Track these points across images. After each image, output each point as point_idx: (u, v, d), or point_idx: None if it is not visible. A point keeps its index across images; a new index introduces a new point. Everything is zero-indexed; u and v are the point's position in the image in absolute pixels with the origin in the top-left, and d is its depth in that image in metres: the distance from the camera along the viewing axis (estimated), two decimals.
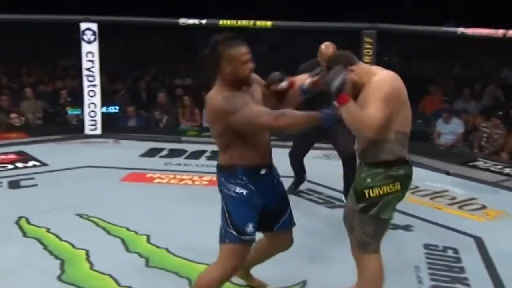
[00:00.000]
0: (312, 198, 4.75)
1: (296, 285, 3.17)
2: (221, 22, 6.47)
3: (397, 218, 4.22)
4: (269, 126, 2.34)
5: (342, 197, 4.57)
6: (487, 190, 5.05)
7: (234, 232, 2.47)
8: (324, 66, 3.55)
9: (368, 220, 2.60)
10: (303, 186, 4.94)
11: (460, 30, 5.35)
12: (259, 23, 6.42)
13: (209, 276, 2.55)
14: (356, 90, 2.55)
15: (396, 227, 4.10)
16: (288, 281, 3.18)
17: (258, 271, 3.04)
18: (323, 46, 4.36)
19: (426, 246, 3.76)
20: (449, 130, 7.29)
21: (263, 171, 2.51)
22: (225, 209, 2.51)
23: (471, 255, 3.63)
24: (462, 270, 3.41)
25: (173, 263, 3.36)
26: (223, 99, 2.36)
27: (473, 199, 4.72)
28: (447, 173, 5.58)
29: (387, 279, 2.76)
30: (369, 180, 2.55)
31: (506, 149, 6.74)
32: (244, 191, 2.46)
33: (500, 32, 4.96)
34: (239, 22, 6.41)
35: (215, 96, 2.40)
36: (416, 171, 5.28)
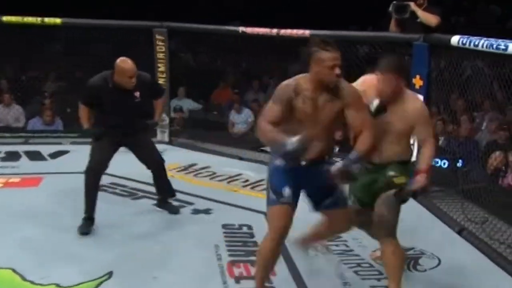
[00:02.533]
0: (116, 191, 4.73)
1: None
2: (5, 18, 6.02)
3: (198, 203, 4.46)
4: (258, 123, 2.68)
5: (145, 187, 4.66)
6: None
7: (273, 196, 2.73)
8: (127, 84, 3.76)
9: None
10: (107, 180, 4.90)
11: (241, 29, 5.80)
12: (47, 20, 6.11)
13: (263, 243, 2.83)
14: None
15: (197, 211, 4.32)
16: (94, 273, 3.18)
17: None
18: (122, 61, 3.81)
19: (224, 226, 4.03)
20: (241, 119, 7.75)
21: (302, 163, 2.65)
22: (268, 180, 2.78)
23: (262, 230, 3.95)
24: (255, 243, 3.69)
25: None
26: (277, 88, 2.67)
27: (262, 180, 5.12)
28: (240, 158, 5.95)
29: (187, 261, 2.92)
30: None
31: None
32: (283, 164, 2.70)
33: (274, 31, 5.51)
34: (25, 18, 6.05)
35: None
36: (214, 159, 5.58)
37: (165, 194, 4.30)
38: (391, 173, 2.79)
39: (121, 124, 3.88)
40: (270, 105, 2.65)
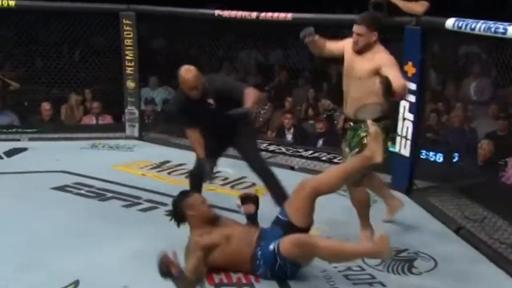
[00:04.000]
0: (81, 193, 4.65)
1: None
2: None
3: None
4: None
5: (113, 187, 4.64)
6: None
7: None
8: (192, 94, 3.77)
9: None
10: (69, 180, 4.83)
11: (217, 12, 5.71)
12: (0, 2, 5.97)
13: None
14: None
15: None
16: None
17: None
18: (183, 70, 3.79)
19: None
20: None
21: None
22: None
23: None
24: None
25: None
26: None
27: (243, 177, 5.09)
28: None
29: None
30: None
31: (271, 126, 7.38)
32: None
33: (254, 14, 5.43)
34: None
35: None
36: (190, 155, 5.48)
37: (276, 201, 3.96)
38: (362, 134, 3.54)
39: (214, 133, 3.94)
40: None
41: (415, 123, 4.54)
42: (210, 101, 3.83)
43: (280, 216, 3.30)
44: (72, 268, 3.28)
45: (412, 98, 4.51)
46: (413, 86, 4.46)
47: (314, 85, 8.19)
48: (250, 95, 3.77)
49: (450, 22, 4.00)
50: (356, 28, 3.56)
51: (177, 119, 4.04)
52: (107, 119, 7.16)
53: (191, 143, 4.02)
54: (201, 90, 3.77)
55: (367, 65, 3.51)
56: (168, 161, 5.55)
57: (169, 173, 5.26)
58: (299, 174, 5.39)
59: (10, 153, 5.79)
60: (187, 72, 3.75)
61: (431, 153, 4.85)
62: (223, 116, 3.66)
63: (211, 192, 4.76)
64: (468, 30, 3.81)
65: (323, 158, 5.85)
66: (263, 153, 5.93)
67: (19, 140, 6.25)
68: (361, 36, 3.53)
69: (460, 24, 3.89)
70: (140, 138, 6.46)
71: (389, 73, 3.35)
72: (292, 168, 5.61)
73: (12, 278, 3.14)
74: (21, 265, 3.31)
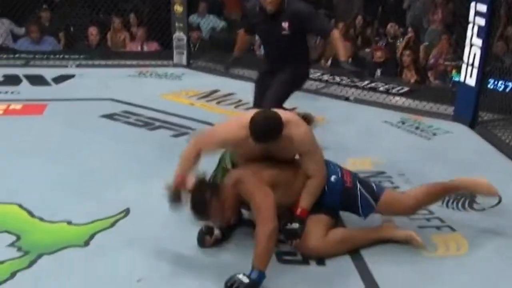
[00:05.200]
0: (130, 121, 4.75)
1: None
2: None
3: None
4: None
5: (163, 117, 4.73)
6: (308, 97, 5.43)
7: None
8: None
9: None
10: (118, 108, 4.93)
11: None
12: None
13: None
14: None
15: None
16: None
17: None
18: None
19: None
20: None
21: None
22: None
23: None
24: None
25: None
26: None
27: (297, 108, 5.05)
28: None
29: None
30: None
31: (324, 56, 7.27)
32: None
33: None
34: None
35: None
36: (239, 84, 5.46)
37: None
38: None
39: (272, 58, 3.80)
40: None
41: (483, 49, 4.37)
42: (285, 24, 3.60)
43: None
44: (123, 197, 3.39)
45: (481, 21, 4.33)
46: (483, 8, 4.28)
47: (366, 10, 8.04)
48: (340, 44, 3.57)
49: None
50: None
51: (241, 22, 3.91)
52: (153, 46, 7.20)
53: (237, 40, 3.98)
54: (279, 5, 3.55)
55: None
56: (217, 90, 5.59)
57: (218, 103, 5.30)
58: (354, 105, 5.35)
59: (58, 79, 5.94)
60: None
61: (500, 82, 4.68)
62: (291, 46, 3.55)
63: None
64: None
65: (381, 89, 5.76)
66: (317, 83, 5.90)
67: (66, 66, 6.38)
68: None
69: None
70: (188, 66, 6.48)
71: None
72: (347, 99, 5.56)
73: (63, 206, 3.27)
74: (72, 193, 3.44)
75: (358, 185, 2.96)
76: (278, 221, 2.66)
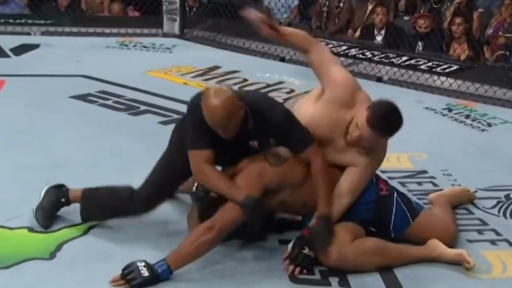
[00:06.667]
0: (108, 104, 4.75)
1: None
2: None
3: None
4: None
5: (150, 99, 4.78)
6: None
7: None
8: None
9: None
10: (93, 88, 4.93)
11: None
12: None
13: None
14: None
15: None
16: None
17: None
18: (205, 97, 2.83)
19: None
20: (281, 4, 7.60)
21: None
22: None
23: None
24: None
25: None
26: None
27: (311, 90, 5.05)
28: (282, 60, 5.94)
29: None
30: None
31: (351, 25, 7.26)
32: None
33: None
34: None
35: None
36: (244, 60, 5.49)
37: None
38: None
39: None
40: None
41: None
42: (253, 143, 3.06)
43: None
44: None
45: None
46: None
47: None
48: (321, 182, 2.95)
49: None
50: None
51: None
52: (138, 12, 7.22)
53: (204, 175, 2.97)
54: (236, 129, 2.88)
55: None
56: (217, 67, 5.59)
57: (218, 83, 5.29)
58: (388, 87, 5.34)
59: (19, 50, 5.96)
60: (213, 108, 2.74)
61: None
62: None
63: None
64: None
65: (422, 67, 5.74)
66: (342, 58, 5.89)
67: (29, 34, 6.40)
68: None
69: None
70: (182, 36, 6.49)
71: None
72: (379, 80, 5.54)
73: (24, 208, 3.25)
74: (35, 193, 3.39)
75: (395, 193, 2.98)
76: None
